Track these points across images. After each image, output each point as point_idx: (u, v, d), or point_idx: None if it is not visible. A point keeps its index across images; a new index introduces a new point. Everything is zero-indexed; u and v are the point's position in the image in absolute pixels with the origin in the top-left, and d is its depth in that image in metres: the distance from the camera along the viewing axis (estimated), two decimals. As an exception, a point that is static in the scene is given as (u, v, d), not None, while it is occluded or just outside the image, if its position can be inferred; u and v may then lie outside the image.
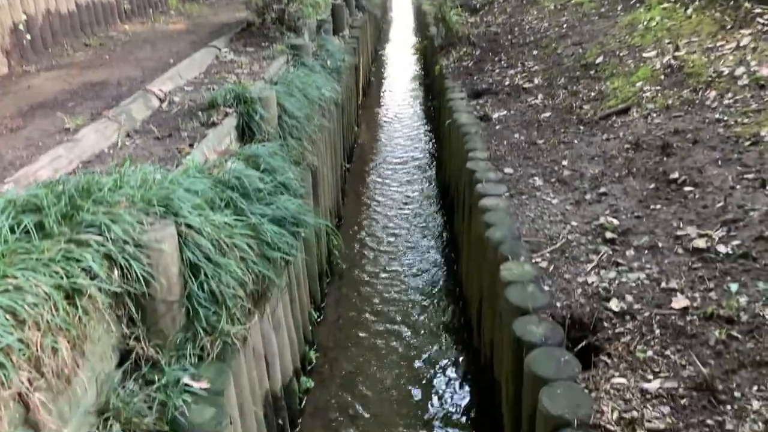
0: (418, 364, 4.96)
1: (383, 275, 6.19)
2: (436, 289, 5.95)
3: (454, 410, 4.48)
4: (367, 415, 4.42)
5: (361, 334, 5.34)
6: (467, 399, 4.57)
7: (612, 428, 2.38)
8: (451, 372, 4.88)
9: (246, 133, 4.48)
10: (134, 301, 2.51)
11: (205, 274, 2.75)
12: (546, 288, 3.32)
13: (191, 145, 4.01)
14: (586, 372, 2.72)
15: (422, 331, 5.36)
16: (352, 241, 6.80)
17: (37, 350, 1.99)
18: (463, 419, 4.40)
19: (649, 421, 2.39)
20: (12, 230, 2.26)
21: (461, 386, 4.72)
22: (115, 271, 2.41)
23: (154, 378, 2.60)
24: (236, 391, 2.89)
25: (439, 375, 4.84)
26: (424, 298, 5.80)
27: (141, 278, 2.44)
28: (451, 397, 4.60)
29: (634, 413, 2.43)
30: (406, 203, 7.85)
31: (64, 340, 2.11)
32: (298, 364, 4.37)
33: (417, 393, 4.64)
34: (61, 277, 2.15)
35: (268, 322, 3.59)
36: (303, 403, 4.48)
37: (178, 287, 2.66)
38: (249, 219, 3.17)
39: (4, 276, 2.03)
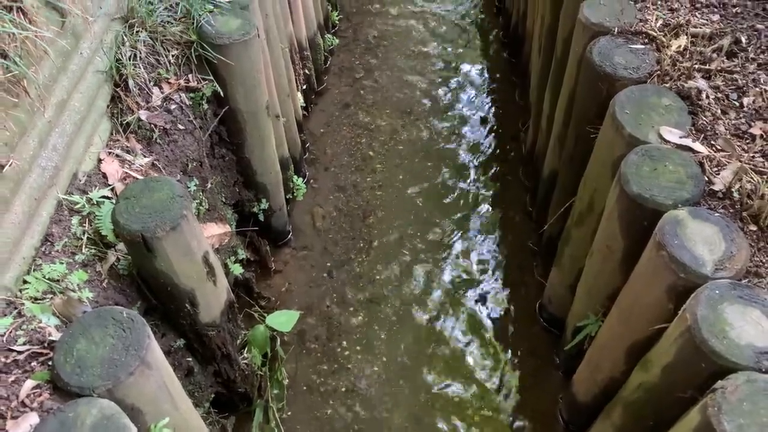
0: (445, 30, 4.81)
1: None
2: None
3: (481, 75, 4.46)
4: (396, 70, 4.44)
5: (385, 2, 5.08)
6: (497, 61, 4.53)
7: (654, 34, 2.28)
8: (478, 46, 4.74)
9: None
10: None
11: None
12: None
13: None
14: (633, -15, 2.53)
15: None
16: None
17: None
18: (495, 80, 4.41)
19: (695, 27, 2.28)
20: None
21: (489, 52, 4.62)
22: None
23: (174, -11, 2.49)
24: (261, 18, 2.80)
25: (468, 39, 4.71)
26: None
27: None
28: (481, 65, 4.54)
29: (680, 19, 2.30)
30: None
31: None
32: (321, 20, 4.22)
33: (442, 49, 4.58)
34: None
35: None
36: (329, 62, 4.46)
37: None
38: None
39: None
